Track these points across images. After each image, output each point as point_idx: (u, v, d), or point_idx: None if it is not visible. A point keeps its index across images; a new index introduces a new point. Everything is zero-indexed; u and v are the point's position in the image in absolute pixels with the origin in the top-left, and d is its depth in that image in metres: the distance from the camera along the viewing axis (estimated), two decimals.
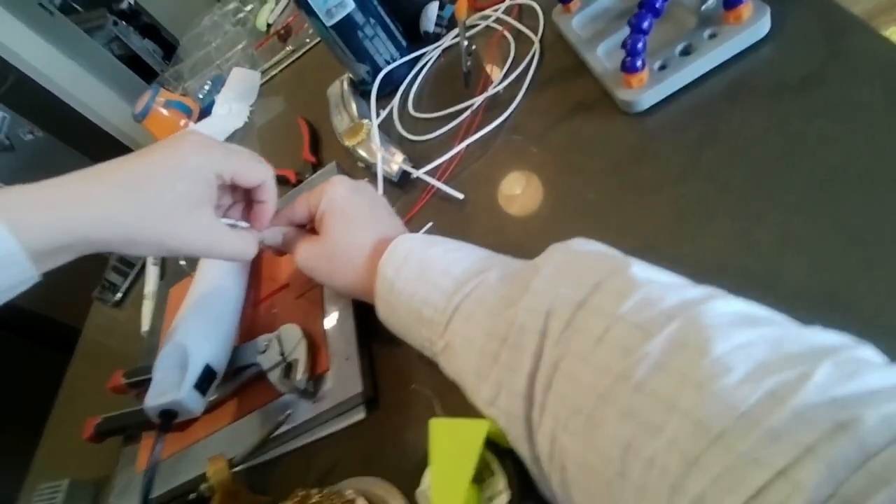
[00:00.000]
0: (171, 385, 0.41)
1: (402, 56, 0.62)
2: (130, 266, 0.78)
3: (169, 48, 2.95)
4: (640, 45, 0.38)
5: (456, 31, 0.62)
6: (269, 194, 0.41)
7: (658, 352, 0.22)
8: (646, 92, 0.39)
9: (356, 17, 0.56)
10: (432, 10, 0.62)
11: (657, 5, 0.37)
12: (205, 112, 0.95)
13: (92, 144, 2.74)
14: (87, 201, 0.31)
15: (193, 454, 0.45)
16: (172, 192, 0.34)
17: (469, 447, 0.26)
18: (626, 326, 0.23)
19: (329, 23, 0.56)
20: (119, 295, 0.75)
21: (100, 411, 0.52)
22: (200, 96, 0.97)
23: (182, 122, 0.94)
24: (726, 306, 0.22)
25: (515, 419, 0.26)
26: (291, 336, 0.44)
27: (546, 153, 0.45)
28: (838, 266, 0.28)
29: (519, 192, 0.45)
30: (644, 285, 0.24)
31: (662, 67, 0.40)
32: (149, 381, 0.51)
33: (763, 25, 0.37)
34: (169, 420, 0.40)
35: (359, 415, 0.40)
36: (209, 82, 0.97)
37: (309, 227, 0.44)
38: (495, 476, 0.27)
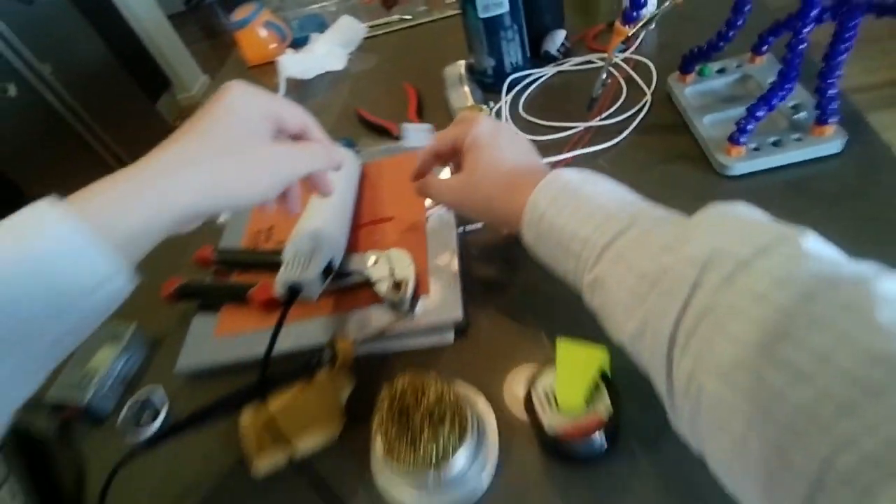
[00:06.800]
0: (301, 267, 0.47)
1: (524, 64, 0.71)
2: None
3: None
4: (750, 126, 0.49)
5: (573, 59, 0.72)
6: (318, 132, 0.39)
7: (820, 313, 0.22)
8: (741, 162, 0.50)
9: (505, 19, 0.65)
10: (559, 36, 0.72)
11: (773, 103, 0.48)
12: (296, 43, 1.00)
13: (108, 29, 2.65)
14: (174, 188, 0.30)
15: (291, 331, 0.50)
16: (238, 143, 0.33)
17: (590, 365, 0.35)
18: (791, 291, 0.23)
19: (482, 15, 0.65)
20: None
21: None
22: (294, 26, 1.02)
23: (273, 46, 0.98)
24: None
25: (658, 356, 0.28)
26: (401, 258, 0.51)
27: (640, 185, 0.55)
28: None
29: None
30: (815, 258, 0.24)
31: (756, 149, 0.51)
32: (236, 264, 0.58)
33: (837, 144, 0.49)
34: (294, 295, 0.47)
35: (448, 338, 0.48)
36: (308, 17, 1.02)
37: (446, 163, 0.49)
38: (600, 391, 0.36)
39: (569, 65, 0.71)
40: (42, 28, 2.24)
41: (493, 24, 0.66)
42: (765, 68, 0.58)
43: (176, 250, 0.63)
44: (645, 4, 0.51)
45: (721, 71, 0.59)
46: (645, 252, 0.31)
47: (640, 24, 0.51)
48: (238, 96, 0.34)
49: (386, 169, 0.65)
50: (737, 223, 0.29)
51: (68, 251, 0.26)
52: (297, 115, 0.37)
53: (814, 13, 0.45)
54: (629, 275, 0.31)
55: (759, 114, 0.49)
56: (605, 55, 0.55)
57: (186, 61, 3.24)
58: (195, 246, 0.60)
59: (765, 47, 0.57)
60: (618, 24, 0.53)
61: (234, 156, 0.32)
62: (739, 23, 0.52)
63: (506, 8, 0.64)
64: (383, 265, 0.51)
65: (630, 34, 0.52)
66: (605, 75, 0.56)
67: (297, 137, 0.38)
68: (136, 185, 0.29)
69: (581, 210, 0.35)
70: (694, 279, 0.27)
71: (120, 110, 2.60)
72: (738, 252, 0.26)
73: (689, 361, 0.26)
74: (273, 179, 0.34)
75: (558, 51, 0.72)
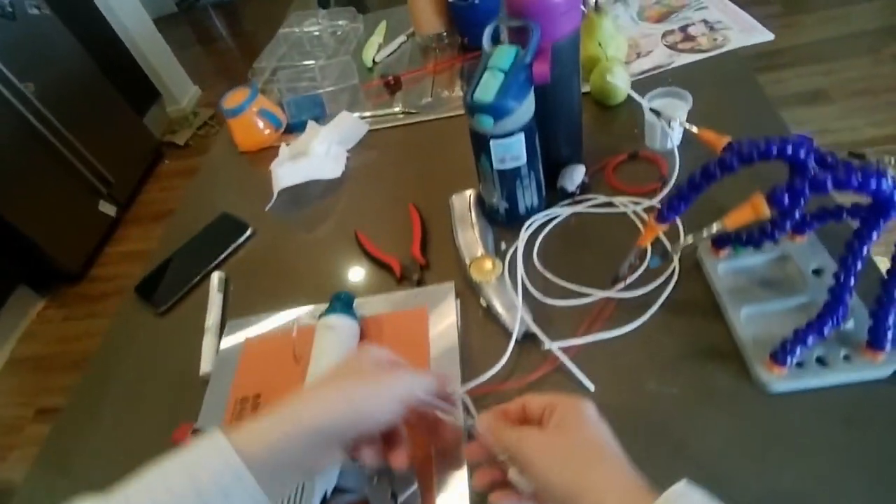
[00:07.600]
0: None
1: (539, 206, 0.65)
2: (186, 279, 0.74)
3: None
4: (797, 350, 0.44)
5: (591, 197, 0.66)
6: None
7: None
8: (782, 382, 0.46)
9: (522, 170, 0.60)
10: (578, 173, 0.66)
11: (826, 332, 0.43)
12: (291, 127, 0.94)
13: (94, 39, 2.54)
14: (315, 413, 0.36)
15: None
16: (367, 375, 0.40)
17: None
18: None
19: (498, 167, 0.59)
20: (165, 307, 0.72)
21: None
22: (291, 105, 0.95)
23: (267, 133, 0.92)
24: None
25: None
26: (404, 479, 0.46)
27: (671, 387, 0.50)
28: None
29: (645, 404, 0.49)
30: None
31: (799, 364, 0.46)
32: None
33: (888, 371, 0.45)
34: None
35: None
36: (305, 98, 0.95)
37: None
38: None
39: (588, 205, 0.66)
40: (25, 44, 2.15)
41: (508, 175, 0.60)
42: (806, 250, 0.53)
43: (158, 432, 0.57)
44: (683, 210, 0.45)
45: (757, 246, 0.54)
46: None
47: (680, 249, 0.46)
48: (371, 352, 0.42)
49: (387, 325, 0.60)
50: None
51: (226, 485, 0.32)
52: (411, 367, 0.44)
53: (874, 234, 0.40)
54: None
55: (810, 341, 0.44)
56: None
57: (176, 72, 3.13)
58: (174, 425, 0.54)
59: (806, 229, 0.53)
60: (651, 219, 0.47)
61: (363, 381, 0.39)
62: (788, 227, 0.47)
63: (523, 161, 0.59)
64: (384, 485, 0.45)
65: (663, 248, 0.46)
66: (633, 258, 0.51)
67: None
68: (277, 408, 0.36)
69: None
70: None
71: (105, 126, 2.50)
72: None
73: None
74: (395, 399, 0.39)
75: (577, 187, 0.67)
